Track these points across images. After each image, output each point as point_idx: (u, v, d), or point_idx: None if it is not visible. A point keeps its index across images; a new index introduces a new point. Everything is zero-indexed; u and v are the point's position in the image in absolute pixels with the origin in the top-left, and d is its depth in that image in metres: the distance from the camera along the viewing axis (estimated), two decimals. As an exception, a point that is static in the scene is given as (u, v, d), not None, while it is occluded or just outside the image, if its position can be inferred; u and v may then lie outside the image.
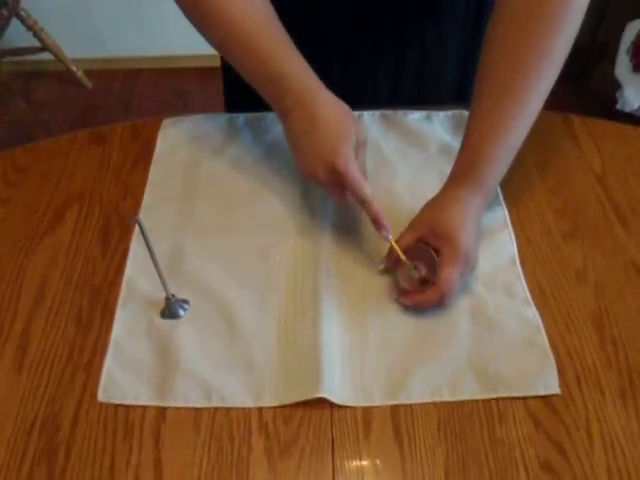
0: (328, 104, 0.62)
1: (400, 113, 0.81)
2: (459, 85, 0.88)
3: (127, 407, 0.55)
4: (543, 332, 0.59)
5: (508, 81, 0.61)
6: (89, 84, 2.40)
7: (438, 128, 0.79)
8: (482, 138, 0.62)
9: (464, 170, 0.63)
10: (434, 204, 0.63)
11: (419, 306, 0.60)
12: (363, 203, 0.60)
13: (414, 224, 0.62)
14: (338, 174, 0.59)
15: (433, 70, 0.85)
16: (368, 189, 0.59)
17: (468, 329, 0.59)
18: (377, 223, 0.60)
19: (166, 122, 0.82)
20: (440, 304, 0.59)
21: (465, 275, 0.60)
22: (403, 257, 0.60)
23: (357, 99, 0.82)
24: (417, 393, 0.54)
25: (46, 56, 2.27)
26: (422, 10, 0.77)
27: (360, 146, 0.62)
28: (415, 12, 0.77)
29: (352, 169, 0.59)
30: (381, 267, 0.63)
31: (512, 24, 0.61)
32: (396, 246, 0.60)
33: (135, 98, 2.37)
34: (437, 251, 0.59)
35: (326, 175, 0.60)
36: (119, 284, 0.64)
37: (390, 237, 0.60)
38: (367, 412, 0.54)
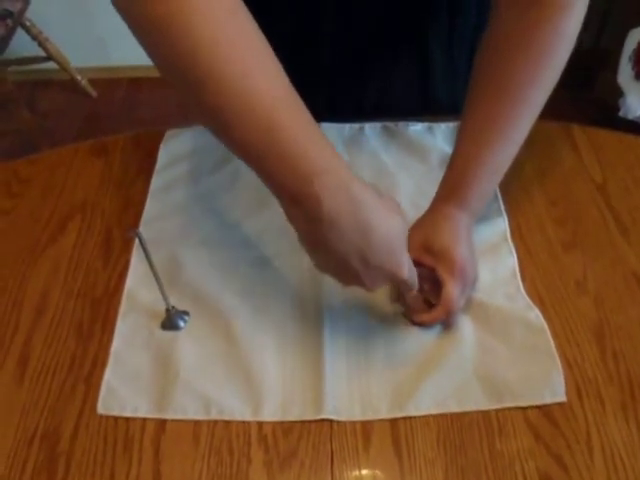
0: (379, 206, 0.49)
1: (401, 124, 0.81)
2: (449, 101, 0.87)
3: (127, 419, 0.55)
4: (548, 334, 0.59)
5: (494, 107, 0.61)
6: (93, 93, 2.42)
7: (439, 139, 0.79)
8: (467, 160, 0.62)
9: (450, 190, 0.63)
10: (424, 223, 0.63)
11: (428, 324, 0.60)
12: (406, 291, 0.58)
13: (410, 242, 0.59)
14: (397, 281, 0.53)
15: (420, 86, 0.85)
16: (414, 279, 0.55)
17: (472, 339, 0.59)
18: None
19: (169, 134, 0.82)
20: (448, 320, 0.59)
21: (467, 289, 0.60)
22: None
23: (343, 110, 0.83)
24: (424, 405, 0.54)
25: (50, 65, 2.29)
26: (409, 26, 0.77)
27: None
28: (403, 27, 0.77)
29: (407, 277, 0.52)
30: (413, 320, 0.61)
31: (501, 50, 0.61)
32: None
33: (139, 107, 2.38)
34: (434, 270, 0.59)
35: (378, 282, 0.53)
36: (120, 296, 0.64)
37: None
38: (366, 425, 0.54)
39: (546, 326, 0.59)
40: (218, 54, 0.47)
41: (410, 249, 0.54)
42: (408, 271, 0.52)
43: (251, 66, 0.48)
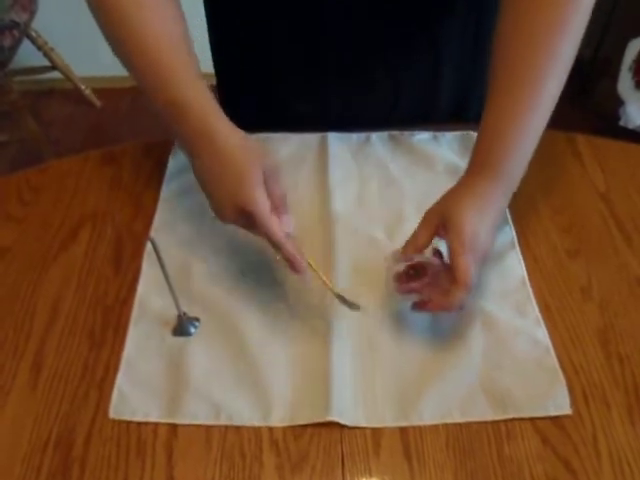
0: (229, 138, 0.58)
1: (407, 134, 0.83)
2: (457, 106, 0.89)
3: (139, 424, 0.55)
4: (553, 353, 0.59)
5: (518, 73, 0.61)
6: (98, 103, 2.44)
7: (445, 149, 0.81)
8: (499, 125, 0.61)
9: (482, 158, 0.62)
10: (449, 196, 0.61)
11: (448, 309, 0.56)
12: (276, 247, 0.56)
13: (427, 217, 0.60)
14: (248, 217, 0.56)
15: (430, 90, 0.86)
16: (279, 230, 0.55)
17: (479, 350, 0.59)
18: (291, 267, 0.56)
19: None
20: (466, 296, 0.56)
21: (478, 264, 0.57)
22: (329, 284, 0.59)
23: (354, 119, 0.84)
24: (428, 414, 0.55)
25: (55, 75, 2.31)
26: (420, 28, 0.78)
27: (271, 175, 0.57)
28: (413, 31, 0.78)
29: (260, 211, 0.55)
30: (394, 265, 0.59)
31: (520, 23, 0.61)
32: (325, 278, 0.58)
33: (143, 117, 2.40)
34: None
35: (239, 219, 0.57)
36: (131, 302, 0.65)
37: (309, 277, 0.57)
38: (376, 429, 0.54)
39: (551, 345, 0.60)
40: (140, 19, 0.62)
41: (428, 223, 0.59)
42: (260, 212, 0.54)
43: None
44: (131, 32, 0.63)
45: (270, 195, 0.56)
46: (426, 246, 0.59)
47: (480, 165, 0.62)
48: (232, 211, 0.57)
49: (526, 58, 0.61)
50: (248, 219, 0.56)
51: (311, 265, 0.58)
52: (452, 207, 0.59)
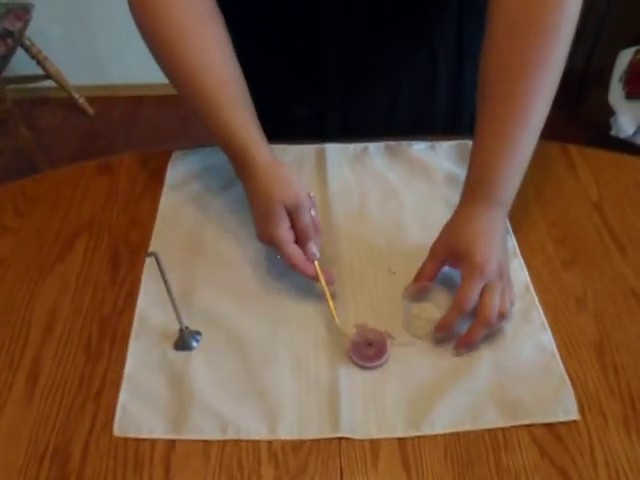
0: (265, 173, 0.64)
1: (404, 144, 0.83)
2: (450, 118, 0.89)
3: (137, 437, 0.55)
4: (558, 358, 0.60)
5: (509, 90, 0.61)
6: (91, 111, 2.44)
7: (442, 158, 0.81)
8: (490, 150, 0.62)
9: (475, 186, 0.63)
10: (449, 226, 0.64)
11: (471, 342, 0.59)
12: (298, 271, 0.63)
13: (434, 251, 0.63)
14: (274, 247, 0.63)
15: (425, 103, 0.87)
16: (298, 259, 0.62)
17: (487, 358, 0.59)
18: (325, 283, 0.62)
19: (176, 154, 0.83)
20: (455, 321, 0.58)
21: (497, 284, 0.58)
22: (332, 308, 0.61)
23: (353, 125, 0.84)
24: (440, 424, 0.55)
25: (49, 83, 2.31)
26: (417, 27, 0.78)
27: (296, 209, 0.62)
28: (410, 31, 0.79)
29: (280, 245, 0.62)
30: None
31: (507, 34, 0.62)
32: (332, 307, 0.61)
33: (136, 125, 2.40)
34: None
35: (269, 245, 0.64)
36: (128, 313, 0.65)
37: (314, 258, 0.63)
38: (375, 441, 0.54)
39: (557, 350, 0.60)
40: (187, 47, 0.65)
41: (437, 254, 0.62)
42: (287, 243, 0.62)
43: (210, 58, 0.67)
44: (178, 64, 0.66)
45: (294, 227, 0.63)
46: (433, 277, 0.62)
47: (474, 192, 0.64)
48: (263, 238, 0.65)
49: (512, 84, 0.61)
50: (275, 248, 0.63)
51: (326, 292, 0.62)
52: (458, 239, 0.61)
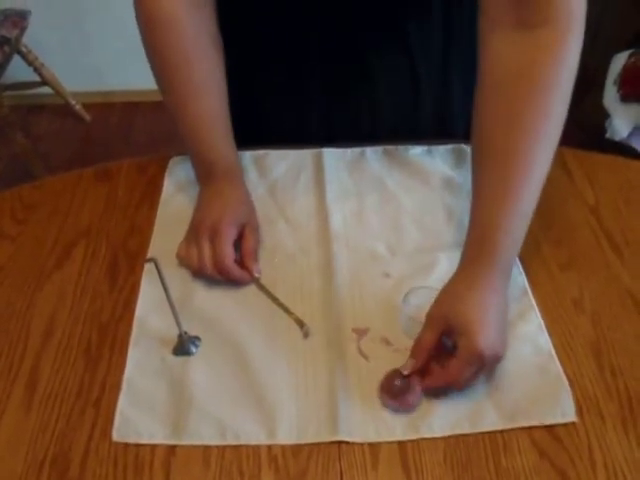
0: (230, 195, 0.71)
1: (401, 148, 0.83)
2: (437, 120, 0.88)
3: (137, 443, 0.55)
4: (556, 360, 0.60)
5: (510, 145, 0.58)
6: (87, 117, 2.44)
7: (439, 162, 0.81)
8: (491, 210, 0.59)
9: (476, 248, 0.59)
10: (448, 294, 0.58)
11: (432, 387, 0.57)
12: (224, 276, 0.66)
13: (431, 321, 0.57)
14: (215, 234, 0.67)
15: (409, 105, 0.85)
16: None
17: None
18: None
19: (173, 160, 0.84)
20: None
21: (485, 369, 0.56)
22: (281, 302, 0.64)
23: (336, 135, 0.84)
24: (438, 427, 0.55)
25: (45, 90, 2.31)
26: (395, 32, 0.77)
27: (247, 233, 0.69)
28: (389, 35, 0.77)
29: (226, 243, 0.66)
30: (405, 373, 0.57)
31: (504, 86, 0.59)
32: (282, 301, 0.65)
33: (133, 131, 2.40)
34: (455, 345, 0.56)
35: (202, 249, 0.67)
36: (127, 319, 0.65)
37: (258, 275, 0.68)
38: (375, 444, 0.54)
39: (553, 351, 0.61)
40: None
41: (435, 325, 0.57)
42: (228, 258, 0.65)
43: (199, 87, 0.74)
44: (175, 85, 0.74)
45: (241, 247, 0.68)
46: (432, 348, 0.57)
47: (475, 254, 0.60)
48: (204, 222, 0.68)
49: (513, 138, 0.58)
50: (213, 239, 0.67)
51: (277, 299, 0.66)
52: (458, 313, 0.56)
